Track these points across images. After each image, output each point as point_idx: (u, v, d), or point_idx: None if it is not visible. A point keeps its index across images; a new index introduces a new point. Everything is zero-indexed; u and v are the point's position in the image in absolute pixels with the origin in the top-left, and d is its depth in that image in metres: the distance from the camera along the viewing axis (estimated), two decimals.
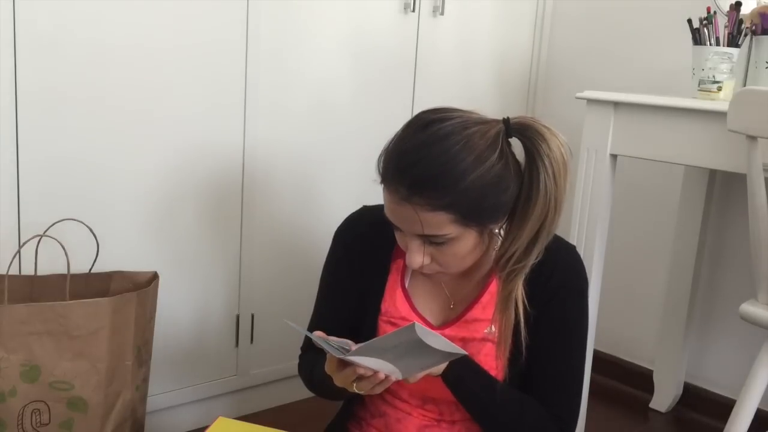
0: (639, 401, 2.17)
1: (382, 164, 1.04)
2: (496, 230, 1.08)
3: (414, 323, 0.89)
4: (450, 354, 0.97)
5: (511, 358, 1.11)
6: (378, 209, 1.15)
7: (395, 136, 1.05)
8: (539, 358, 1.12)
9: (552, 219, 1.02)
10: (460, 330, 1.13)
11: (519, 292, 1.06)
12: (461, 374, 1.07)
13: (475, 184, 0.98)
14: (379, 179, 1.04)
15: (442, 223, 1.00)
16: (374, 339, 0.96)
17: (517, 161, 1.04)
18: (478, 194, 0.99)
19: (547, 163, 1.00)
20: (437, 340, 0.92)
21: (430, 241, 1.03)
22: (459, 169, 0.98)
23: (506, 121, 1.03)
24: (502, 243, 1.06)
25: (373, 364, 0.96)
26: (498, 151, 1.00)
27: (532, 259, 1.04)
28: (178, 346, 1.75)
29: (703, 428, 2.04)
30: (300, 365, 1.27)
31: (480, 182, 0.99)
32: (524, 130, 1.02)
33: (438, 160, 0.98)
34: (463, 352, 0.98)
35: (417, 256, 1.05)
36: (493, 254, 1.12)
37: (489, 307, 1.12)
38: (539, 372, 1.13)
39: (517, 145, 1.04)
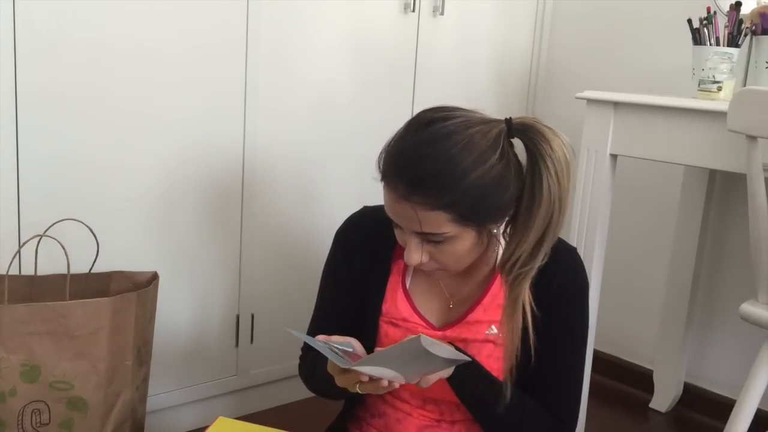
0: (639, 401, 2.17)
1: (382, 162, 1.04)
2: (495, 230, 1.08)
3: (420, 335, 0.88)
4: (455, 360, 0.97)
5: (518, 363, 1.10)
6: (379, 210, 1.14)
7: (396, 134, 1.04)
8: (540, 360, 1.11)
9: (557, 220, 1.01)
10: (461, 331, 1.13)
11: (526, 295, 1.05)
12: (466, 376, 1.07)
13: (475, 184, 0.98)
14: (379, 176, 1.04)
15: (440, 222, 1.00)
16: (379, 351, 0.96)
17: (518, 162, 1.03)
18: (477, 194, 0.99)
19: (549, 163, 0.99)
20: (443, 350, 0.92)
21: (428, 239, 1.03)
22: (459, 169, 0.97)
23: (508, 122, 1.02)
24: (507, 246, 1.05)
25: (377, 372, 0.96)
26: (499, 151, 0.99)
27: (539, 262, 1.03)
28: (178, 346, 1.75)
29: (703, 428, 2.04)
30: (300, 365, 1.27)
31: (480, 182, 0.98)
32: (526, 131, 1.01)
33: (438, 159, 0.97)
34: (468, 358, 0.98)
35: (415, 254, 1.05)
36: (493, 255, 1.12)
37: (490, 309, 1.13)
38: (540, 373, 1.13)
39: (518, 146, 1.03)
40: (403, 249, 1.12)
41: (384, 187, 1.03)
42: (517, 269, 1.03)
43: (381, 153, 1.04)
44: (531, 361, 1.09)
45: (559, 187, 1.00)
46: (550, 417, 1.13)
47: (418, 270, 1.16)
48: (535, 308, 1.06)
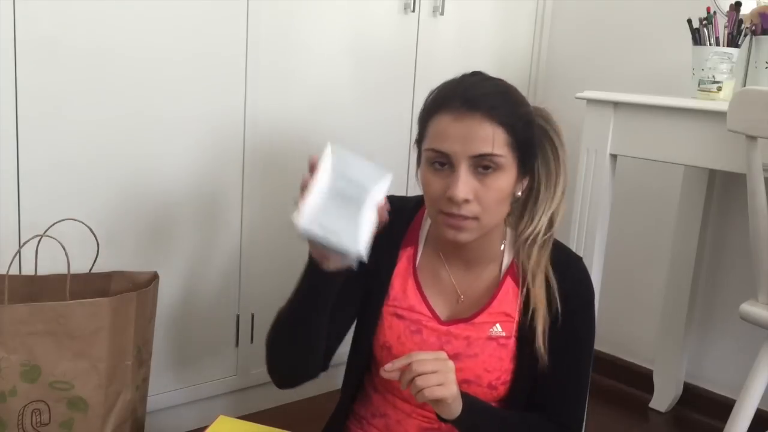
0: (639, 401, 2.17)
1: (435, 95, 1.10)
2: (519, 194, 1.13)
3: (328, 145, 1.01)
4: (377, 178, 1.02)
5: (529, 352, 1.12)
6: (393, 201, 1.16)
7: (439, 85, 1.12)
8: (548, 368, 1.12)
9: (564, 197, 1.15)
10: (465, 328, 1.14)
11: (546, 263, 1.13)
12: (472, 419, 1.05)
13: (527, 117, 1.10)
14: (425, 116, 1.10)
15: (498, 141, 1.04)
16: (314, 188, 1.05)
17: None
18: (528, 126, 1.09)
19: (561, 140, 1.15)
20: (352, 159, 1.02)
21: (480, 164, 1.05)
22: (516, 97, 1.10)
23: None
24: (529, 221, 1.14)
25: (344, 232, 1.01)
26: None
27: (556, 226, 1.14)
28: (178, 346, 1.75)
29: (703, 428, 2.04)
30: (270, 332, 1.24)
31: (529, 117, 1.11)
32: (541, 112, 1.15)
33: (499, 86, 1.10)
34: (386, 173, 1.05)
35: (463, 185, 1.04)
36: (499, 252, 1.15)
37: (495, 313, 1.14)
38: (547, 381, 1.14)
39: None
40: (413, 238, 1.13)
41: (435, 118, 1.07)
42: (541, 237, 1.13)
43: (428, 97, 1.11)
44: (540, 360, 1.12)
45: (565, 170, 1.15)
46: (555, 428, 1.14)
47: (426, 261, 1.17)
48: (553, 278, 1.13)
